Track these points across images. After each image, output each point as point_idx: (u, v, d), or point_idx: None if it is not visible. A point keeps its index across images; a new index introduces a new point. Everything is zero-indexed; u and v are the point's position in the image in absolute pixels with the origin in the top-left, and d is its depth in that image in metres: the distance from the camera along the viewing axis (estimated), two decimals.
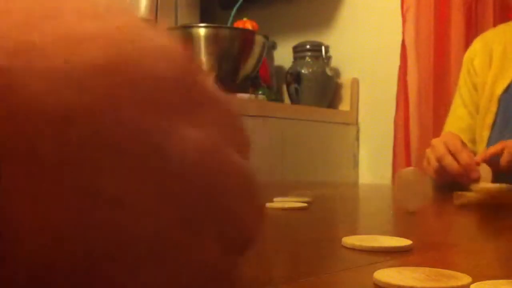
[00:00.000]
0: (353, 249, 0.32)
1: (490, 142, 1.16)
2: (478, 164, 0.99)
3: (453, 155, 1.01)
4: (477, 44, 1.30)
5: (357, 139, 1.90)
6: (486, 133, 1.19)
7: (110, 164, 0.15)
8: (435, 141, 1.08)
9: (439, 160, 1.03)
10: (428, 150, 1.09)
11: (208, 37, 1.64)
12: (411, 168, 1.04)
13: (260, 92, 1.72)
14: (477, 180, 0.99)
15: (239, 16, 1.78)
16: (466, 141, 1.11)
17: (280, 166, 1.64)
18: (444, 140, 1.06)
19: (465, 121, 1.25)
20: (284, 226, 0.48)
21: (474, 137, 1.23)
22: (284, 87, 1.93)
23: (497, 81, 1.20)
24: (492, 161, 1.00)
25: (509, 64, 1.20)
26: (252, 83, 1.77)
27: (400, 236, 0.35)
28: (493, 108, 1.18)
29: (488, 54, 1.24)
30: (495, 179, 0.98)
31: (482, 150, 1.16)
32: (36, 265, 0.14)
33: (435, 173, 1.05)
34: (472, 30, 1.61)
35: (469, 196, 0.63)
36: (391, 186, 1.51)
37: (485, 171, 1.00)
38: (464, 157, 1.00)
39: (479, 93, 1.24)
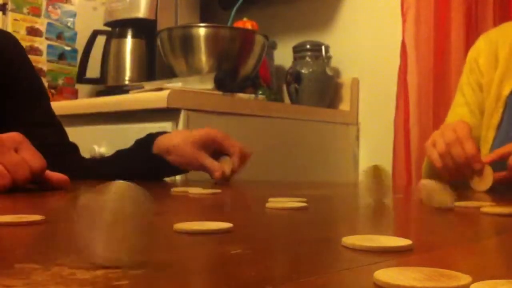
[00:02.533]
0: (353, 249, 0.32)
1: (495, 143, 1.15)
2: (485, 163, 0.99)
3: (460, 143, 1.01)
4: (481, 42, 1.28)
5: (357, 139, 1.90)
6: (491, 134, 1.18)
7: None
8: (444, 127, 1.08)
9: (448, 146, 1.03)
10: (436, 133, 1.09)
11: (208, 37, 1.64)
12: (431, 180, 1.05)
13: (260, 92, 1.72)
14: (480, 172, 0.98)
15: (239, 16, 1.78)
16: None
17: (280, 166, 1.64)
18: (454, 127, 1.05)
19: (466, 120, 1.24)
20: (284, 226, 0.48)
21: (476, 136, 1.22)
22: (284, 87, 1.93)
23: (504, 82, 1.19)
24: (497, 164, 1.00)
25: None
26: (252, 83, 1.77)
27: (400, 236, 0.35)
28: (500, 108, 1.17)
29: (493, 53, 1.23)
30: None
31: (487, 151, 1.15)
32: None
33: (440, 157, 1.04)
34: (472, 30, 1.61)
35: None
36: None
37: (488, 173, 0.99)
38: (470, 146, 1.00)
39: (485, 93, 1.23)
